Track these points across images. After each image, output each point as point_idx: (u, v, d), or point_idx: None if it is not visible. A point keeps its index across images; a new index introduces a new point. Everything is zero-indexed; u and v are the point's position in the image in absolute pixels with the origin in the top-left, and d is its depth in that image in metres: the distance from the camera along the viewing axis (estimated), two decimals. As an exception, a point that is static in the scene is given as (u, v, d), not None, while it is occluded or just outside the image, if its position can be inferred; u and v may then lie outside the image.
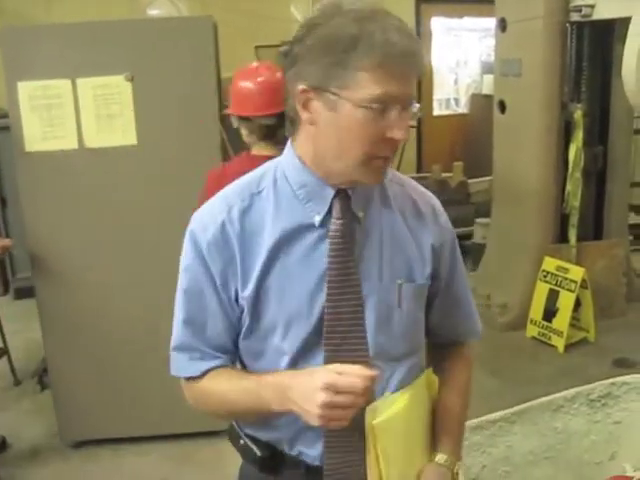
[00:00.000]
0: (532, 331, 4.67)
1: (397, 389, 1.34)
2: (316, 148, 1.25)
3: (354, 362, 1.19)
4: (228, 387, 1.32)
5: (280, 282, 1.28)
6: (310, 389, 1.15)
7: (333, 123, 1.18)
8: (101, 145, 3.21)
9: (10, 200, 5.21)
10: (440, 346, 1.53)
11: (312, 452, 1.34)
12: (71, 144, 3.19)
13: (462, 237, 5.94)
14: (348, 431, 1.25)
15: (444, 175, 6.79)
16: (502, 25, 4.89)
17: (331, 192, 1.28)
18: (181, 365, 1.36)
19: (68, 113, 3.16)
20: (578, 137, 4.57)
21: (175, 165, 3.26)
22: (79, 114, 3.17)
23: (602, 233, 5.04)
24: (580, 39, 4.69)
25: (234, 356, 1.38)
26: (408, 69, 1.15)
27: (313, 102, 1.19)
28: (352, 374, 1.14)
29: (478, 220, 6.05)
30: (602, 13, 4.27)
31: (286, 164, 1.32)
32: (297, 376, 1.21)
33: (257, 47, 6.64)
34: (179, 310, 1.35)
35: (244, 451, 1.42)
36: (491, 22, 5.26)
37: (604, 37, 4.68)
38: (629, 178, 5.32)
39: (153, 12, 6.38)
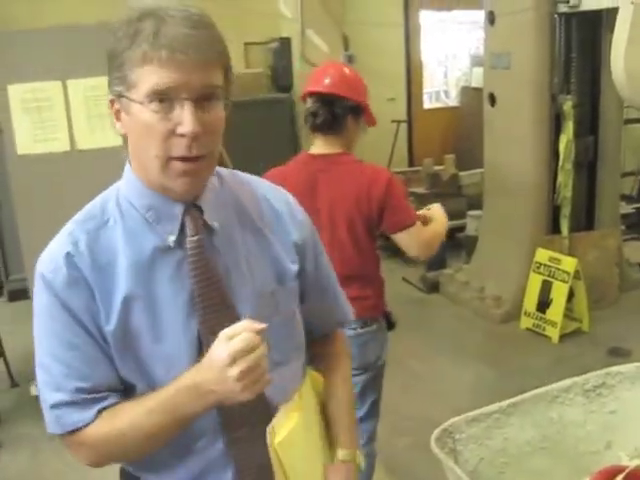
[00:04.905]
0: (526, 322, 4.70)
1: (290, 392, 1.30)
2: (137, 161, 1.19)
3: None
4: (133, 416, 1.16)
5: (149, 318, 1.18)
6: (219, 372, 1.08)
7: (132, 127, 1.14)
8: (93, 146, 3.21)
9: (4, 202, 5.20)
10: (314, 342, 1.46)
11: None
12: (63, 146, 3.20)
13: (455, 230, 5.97)
14: (255, 453, 1.24)
15: (436, 168, 6.80)
16: (491, 18, 4.90)
17: (181, 208, 1.19)
18: (67, 417, 1.17)
19: (59, 115, 3.16)
20: (568, 128, 4.59)
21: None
22: (70, 116, 3.17)
23: (594, 223, 5.07)
24: (568, 30, 4.71)
25: (121, 391, 1.21)
26: (183, 57, 1.07)
27: (121, 112, 1.15)
28: (242, 331, 1.08)
29: (470, 213, 6.06)
30: (590, 4, 4.29)
31: (127, 189, 1.24)
32: (200, 370, 1.12)
33: (246, 44, 6.64)
34: (53, 362, 1.18)
35: None
36: (480, 15, 5.28)
37: (592, 28, 4.70)
38: (620, 168, 5.34)
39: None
